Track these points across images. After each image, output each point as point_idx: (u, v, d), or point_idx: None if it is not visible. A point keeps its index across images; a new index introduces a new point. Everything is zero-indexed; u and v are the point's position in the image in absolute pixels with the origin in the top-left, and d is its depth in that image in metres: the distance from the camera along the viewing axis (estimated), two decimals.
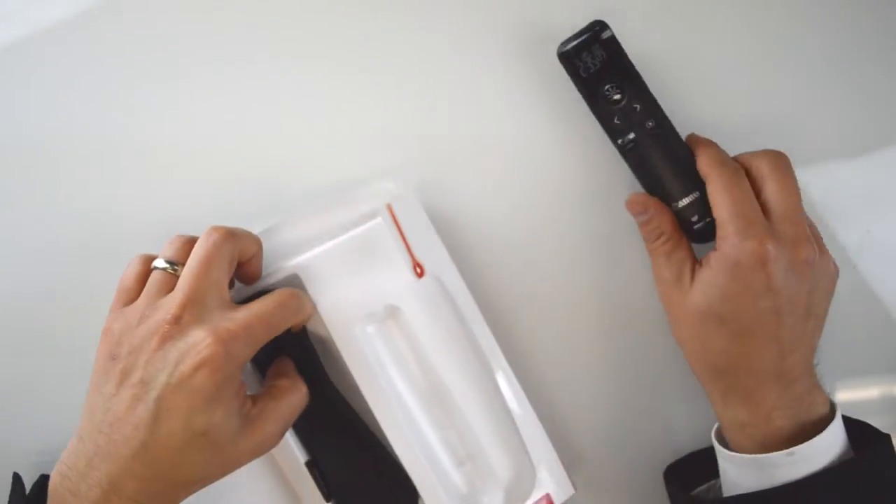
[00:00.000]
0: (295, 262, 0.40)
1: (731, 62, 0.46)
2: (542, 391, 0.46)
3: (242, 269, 0.38)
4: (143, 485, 0.33)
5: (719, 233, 0.38)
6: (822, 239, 0.41)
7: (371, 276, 0.41)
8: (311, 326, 0.42)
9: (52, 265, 0.45)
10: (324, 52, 0.46)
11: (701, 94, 0.46)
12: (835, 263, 0.41)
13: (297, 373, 0.40)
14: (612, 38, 0.41)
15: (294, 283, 0.40)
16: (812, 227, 0.41)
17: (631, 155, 0.42)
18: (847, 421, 0.41)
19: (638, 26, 0.44)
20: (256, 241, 0.38)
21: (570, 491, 0.43)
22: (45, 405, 0.45)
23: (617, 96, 0.41)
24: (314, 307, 0.39)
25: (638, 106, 0.41)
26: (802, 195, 0.41)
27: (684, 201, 0.41)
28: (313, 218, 0.42)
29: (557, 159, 0.45)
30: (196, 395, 0.33)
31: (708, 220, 0.41)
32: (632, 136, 0.41)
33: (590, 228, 0.46)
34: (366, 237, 0.41)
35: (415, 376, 0.42)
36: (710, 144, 0.42)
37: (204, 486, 0.36)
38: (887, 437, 0.40)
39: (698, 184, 0.41)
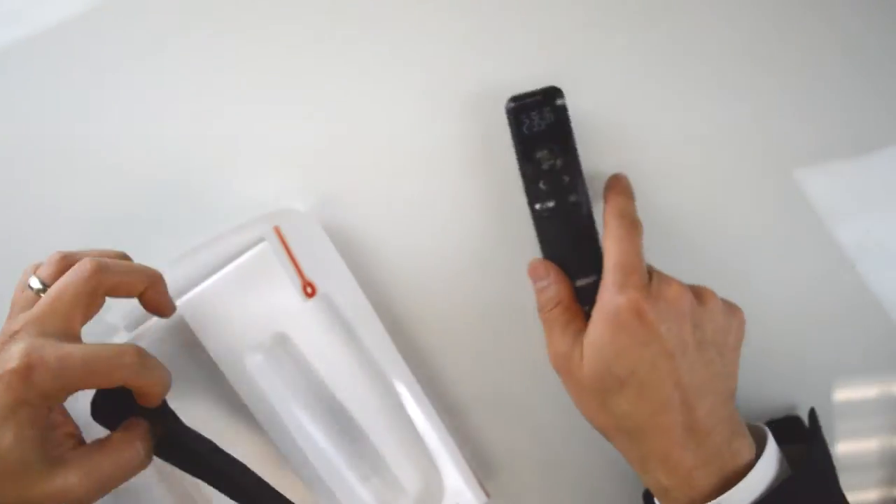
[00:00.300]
0: (179, 303, 0.39)
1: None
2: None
3: (144, 302, 0.37)
4: None
5: (601, 282, 0.39)
6: (706, 287, 0.40)
7: (260, 303, 0.40)
8: (203, 360, 0.40)
9: None
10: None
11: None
12: (728, 303, 0.40)
13: (144, 435, 0.36)
14: (564, 107, 0.42)
15: (180, 325, 0.39)
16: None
17: (544, 222, 0.42)
18: (784, 423, 0.43)
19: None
20: (144, 277, 0.37)
21: (483, 498, 0.44)
22: None
23: (549, 162, 0.42)
24: (163, 380, 0.35)
25: (566, 178, 0.41)
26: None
27: (581, 282, 0.42)
28: (203, 250, 0.40)
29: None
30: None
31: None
32: (551, 204, 0.42)
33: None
34: (252, 264, 0.40)
35: (309, 399, 0.42)
36: (621, 194, 0.41)
37: None
38: (817, 440, 0.40)
39: (598, 267, 0.41)
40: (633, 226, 0.40)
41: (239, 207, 0.45)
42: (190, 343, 0.40)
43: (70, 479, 0.32)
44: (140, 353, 0.34)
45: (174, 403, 0.37)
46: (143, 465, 0.35)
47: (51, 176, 0.47)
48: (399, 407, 0.43)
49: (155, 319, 0.39)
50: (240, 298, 0.40)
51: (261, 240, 0.40)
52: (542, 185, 0.42)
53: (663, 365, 0.36)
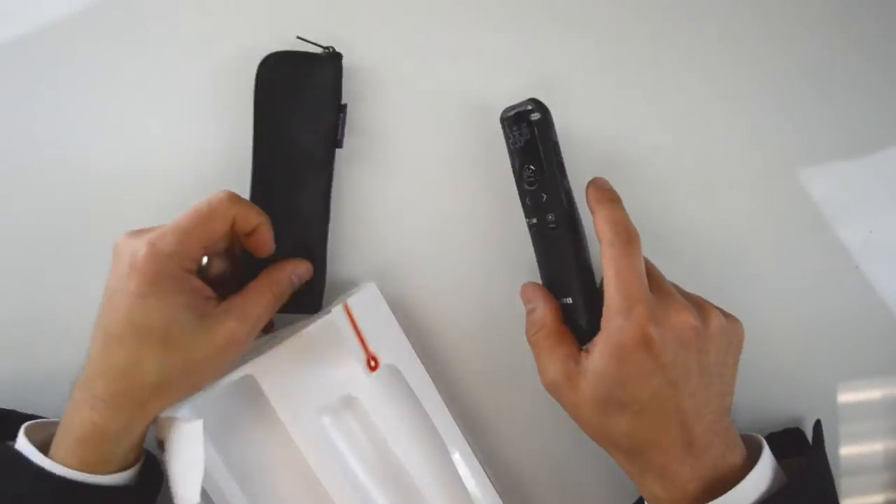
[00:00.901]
0: (250, 364, 0.41)
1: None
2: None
3: (249, 240, 0.40)
4: (107, 383, 0.35)
5: (605, 308, 0.37)
6: (705, 301, 0.40)
7: (326, 370, 0.42)
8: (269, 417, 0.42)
9: None
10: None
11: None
12: (729, 317, 0.39)
13: (280, 278, 0.40)
14: (542, 120, 0.40)
15: (250, 385, 0.41)
16: (690, 294, 0.40)
17: (533, 238, 0.42)
18: (784, 435, 0.43)
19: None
20: (259, 215, 0.39)
21: None
22: None
23: (532, 179, 0.40)
24: (261, 213, 0.39)
25: (545, 196, 0.40)
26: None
27: (565, 301, 0.41)
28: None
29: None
30: (129, 293, 0.35)
31: (583, 325, 0.40)
32: (535, 221, 0.41)
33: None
34: (320, 335, 0.41)
35: (372, 462, 0.44)
36: (607, 203, 0.40)
37: (173, 395, 0.37)
38: (817, 452, 0.40)
39: (572, 291, 0.40)
40: (629, 240, 0.38)
41: None
42: (255, 400, 0.43)
43: (229, 325, 0.37)
44: (229, 192, 0.38)
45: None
46: (283, 297, 0.40)
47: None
48: (455, 474, 0.44)
49: (224, 382, 0.41)
50: (308, 363, 0.42)
51: (329, 312, 0.41)
52: (527, 201, 0.41)
53: (666, 393, 0.36)
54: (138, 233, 0.37)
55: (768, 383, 0.48)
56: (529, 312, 0.41)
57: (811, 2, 0.45)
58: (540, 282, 0.43)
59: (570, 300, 0.41)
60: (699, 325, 0.37)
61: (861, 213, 0.46)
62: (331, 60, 0.43)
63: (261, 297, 0.39)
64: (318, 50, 0.44)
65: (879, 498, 0.49)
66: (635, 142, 0.46)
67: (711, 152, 0.46)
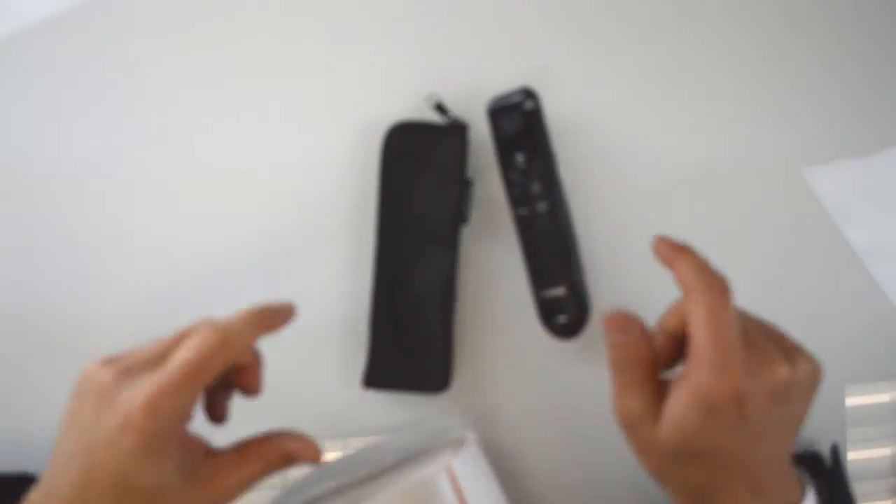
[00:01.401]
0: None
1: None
2: None
3: (238, 376, 0.38)
4: None
5: (693, 357, 0.35)
6: (790, 341, 0.38)
7: None
8: None
9: None
10: None
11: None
12: (812, 359, 0.37)
13: (278, 449, 0.38)
14: (535, 111, 0.40)
15: None
16: (775, 333, 0.38)
17: (520, 228, 0.41)
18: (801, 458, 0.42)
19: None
20: (253, 355, 0.38)
21: None
22: None
23: (523, 168, 0.40)
24: (245, 334, 0.37)
25: (537, 185, 0.40)
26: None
27: (550, 293, 0.41)
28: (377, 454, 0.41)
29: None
30: (122, 450, 0.33)
31: (570, 318, 0.40)
32: (525, 210, 0.41)
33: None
34: (422, 492, 0.39)
35: None
36: (689, 251, 0.38)
37: None
38: (837, 477, 0.40)
39: (568, 278, 0.40)
40: (723, 290, 0.36)
41: None
42: None
43: (217, 488, 0.35)
44: (218, 332, 0.35)
45: None
46: (268, 473, 0.37)
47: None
48: None
49: None
50: None
51: (436, 468, 0.40)
52: (516, 192, 0.41)
53: (747, 445, 0.35)
54: (124, 372, 0.34)
55: None
56: (623, 345, 0.38)
57: (812, 2, 0.45)
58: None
59: (564, 289, 0.40)
60: (791, 377, 0.35)
61: (868, 213, 0.45)
62: (457, 131, 0.43)
63: (254, 466, 0.37)
64: (445, 120, 0.43)
65: (888, 503, 0.48)
66: (635, 141, 0.46)
67: (716, 150, 0.46)
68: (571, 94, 0.45)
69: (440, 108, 0.43)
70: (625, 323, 0.38)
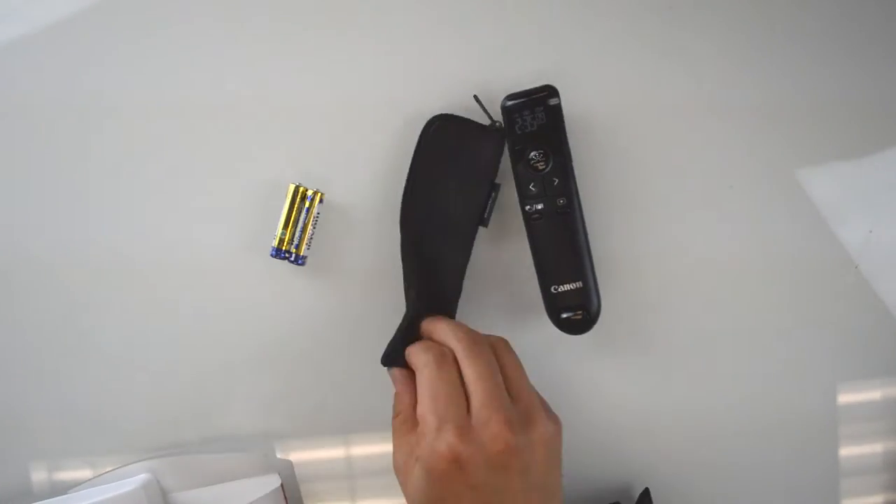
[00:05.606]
0: None
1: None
2: None
3: None
4: None
5: (420, 422, 0.37)
6: (534, 407, 0.38)
7: None
8: None
9: None
10: None
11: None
12: (552, 421, 0.38)
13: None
14: (558, 107, 0.41)
15: None
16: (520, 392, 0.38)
17: (533, 224, 0.42)
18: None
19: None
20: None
21: None
22: None
23: (541, 164, 0.41)
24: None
25: (557, 180, 0.41)
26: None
27: (564, 287, 0.41)
28: None
29: None
30: None
31: (583, 313, 0.41)
32: (540, 206, 0.41)
33: None
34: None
35: None
36: (441, 320, 0.40)
37: None
38: None
39: (583, 274, 0.41)
40: (442, 356, 0.38)
41: None
42: None
43: None
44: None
45: None
46: None
47: None
48: None
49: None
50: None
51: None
52: (532, 187, 0.42)
53: None
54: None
55: (766, 384, 0.48)
56: (395, 396, 0.41)
57: (813, 1, 0.45)
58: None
59: (580, 283, 0.41)
60: (515, 443, 0.35)
61: (861, 213, 0.47)
62: (495, 134, 0.42)
63: None
64: (487, 120, 0.43)
65: (879, 499, 0.49)
66: (634, 140, 0.46)
67: (711, 150, 0.46)
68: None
69: (483, 107, 0.42)
70: (394, 375, 0.41)
